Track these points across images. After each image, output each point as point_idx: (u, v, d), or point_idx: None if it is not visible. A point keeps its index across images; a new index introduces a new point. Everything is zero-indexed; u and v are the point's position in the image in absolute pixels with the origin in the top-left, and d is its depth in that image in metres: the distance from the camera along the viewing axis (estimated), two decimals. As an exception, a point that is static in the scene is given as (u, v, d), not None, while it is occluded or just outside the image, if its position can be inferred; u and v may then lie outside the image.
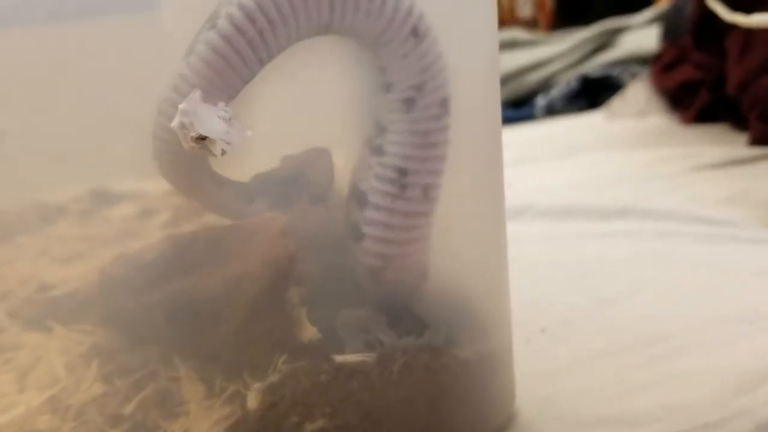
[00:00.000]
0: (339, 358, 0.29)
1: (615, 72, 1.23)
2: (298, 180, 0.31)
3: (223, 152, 0.26)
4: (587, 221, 0.59)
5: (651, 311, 0.40)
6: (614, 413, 0.33)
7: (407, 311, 0.30)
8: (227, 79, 0.27)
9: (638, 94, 1.09)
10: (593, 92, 1.24)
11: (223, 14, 0.26)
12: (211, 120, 0.25)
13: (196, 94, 0.25)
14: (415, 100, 0.29)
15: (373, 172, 0.29)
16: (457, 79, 0.30)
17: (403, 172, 0.29)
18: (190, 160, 0.27)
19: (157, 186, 0.74)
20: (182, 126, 0.25)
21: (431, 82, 0.29)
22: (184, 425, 0.29)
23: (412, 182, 0.29)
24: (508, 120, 1.10)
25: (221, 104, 0.26)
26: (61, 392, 0.30)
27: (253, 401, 0.28)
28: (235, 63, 0.27)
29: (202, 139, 0.25)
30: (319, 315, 0.29)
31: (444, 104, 0.29)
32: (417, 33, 0.29)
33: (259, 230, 0.28)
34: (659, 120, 0.99)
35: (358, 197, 0.30)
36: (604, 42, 1.33)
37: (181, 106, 0.25)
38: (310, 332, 0.29)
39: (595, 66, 1.29)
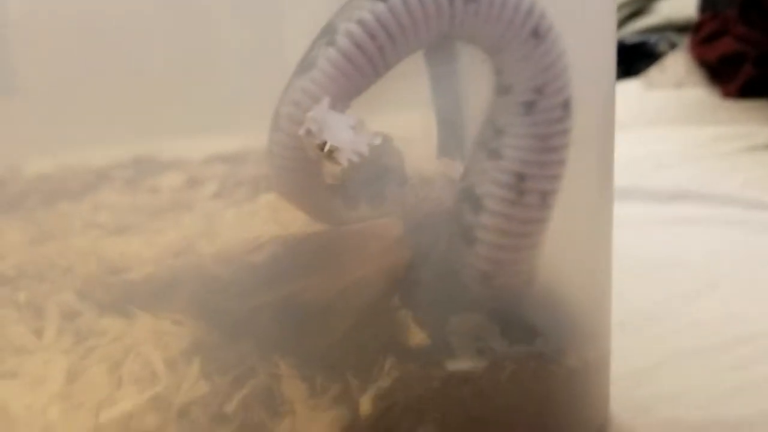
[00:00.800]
0: (451, 366, 0.28)
1: (651, 39, 1.21)
2: (379, 172, 0.31)
3: (350, 161, 0.25)
4: (645, 204, 0.58)
5: (735, 308, 0.40)
6: (712, 418, 0.32)
7: (518, 318, 0.30)
8: (346, 91, 0.26)
9: (677, 65, 1.07)
10: (628, 59, 1.22)
11: (342, 30, 0.26)
12: (338, 128, 0.25)
13: (325, 103, 0.25)
14: (535, 102, 0.28)
15: (489, 177, 0.28)
16: (578, 80, 0.29)
17: (521, 177, 0.28)
18: (306, 171, 0.27)
19: (200, 154, 0.73)
20: (309, 133, 0.24)
21: (553, 83, 0.28)
22: (290, 425, 0.29)
23: (530, 188, 0.28)
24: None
25: (348, 112, 0.25)
26: (164, 390, 0.30)
27: (366, 406, 0.28)
28: (354, 77, 0.26)
29: (326, 147, 0.25)
30: (428, 320, 0.29)
31: (566, 106, 0.28)
32: (537, 34, 0.28)
33: (374, 236, 0.28)
34: (699, 92, 0.98)
35: (472, 201, 0.29)
36: (640, 7, 1.30)
37: (309, 113, 0.24)
38: (418, 337, 0.29)
39: (630, 32, 1.26)
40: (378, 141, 0.25)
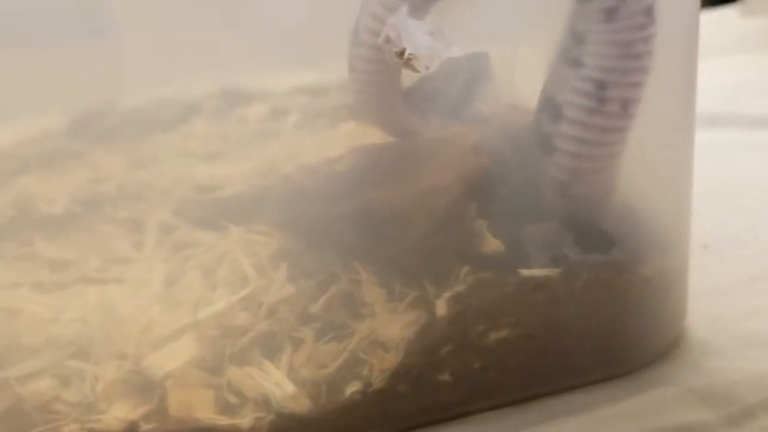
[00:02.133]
0: (525, 272, 0.29)
1: (753, -37, 1.13)
2: (463, 87, 0.31)
3: (427, 68, 0.25)
4: (737, 130, 0.56)
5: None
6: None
7: (594, 227, 0.30)
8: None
9: (779, -10, 1.01)
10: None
11: None
12: (417, 35, 0.25)
13: (404, 10, 0.25)
14: (617, 8, 0.28)
15: (569, 85, 0.28)
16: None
17: (602, 85, 0.28)
18: (384, 84, 0.27)
19: (284, 85, 0.75)
20: (388, 41, 0.25)
21: (635, -12, 0.28)
22: (371, 326, 0.30)
23: (611, 96, 0.28)
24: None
25: (427, 18, 0.26)
26: (254, 291, 0.32)
27: (441, 308, 0.29)
28: None
29: (405, 54, 0.25)
30: (503, 228, 0.30)
31: (649, 12, 0.28)
32: None
33: (450, 144, 0.29)
34: (801, 20, 0.92)
35: (551, 109, 0.29)
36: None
37: (388, 20, 0.25)
38: (493, 245, 0.30)
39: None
40: (457, 50, 0.25)
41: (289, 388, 0.29)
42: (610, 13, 0.28)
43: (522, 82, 0.32)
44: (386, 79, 0.27)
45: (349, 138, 0.60)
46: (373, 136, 0.45)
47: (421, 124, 0.29)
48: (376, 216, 0.30)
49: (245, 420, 0.30)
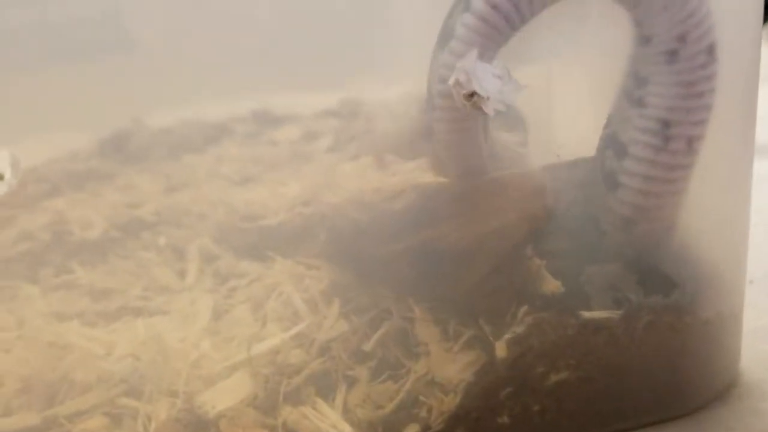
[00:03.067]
0: (586, 314, 0.29)
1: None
2: (515, 120, 0.31)
3: (496, 111, 0.25)
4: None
5: None
6: None
7: (655, 269, 0.30)
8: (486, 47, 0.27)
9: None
10: None
11: None
12: (486, 78, 0.25)
13: (474, 53, 0.25)
14: (677, 51, 0.28)
15: (633, 124, 0.28)
16: (722, 23, 0.28)
17: (666, 124, 0.28)
18: (461, 121, 0.27)
19: (311, 106, 0.76)
20: (457, 83, 0.25)
21: (695, 30, 0.28)
22: (426, 365, 0.30)
23: (675, 134, 0.28)
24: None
25: (496, 62, 0.25)
26: (306, 328, 0.32)
27: (501, 350, 0.29)
28: (491, 37, 0.27)
29: (474, 97, 0.25)
30: (563, 268, 0.30)
31: (710, 51, 0.28)
32: None
33: (515, 184, 0.28)
34: None
35: (616, 147, 0.29)
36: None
37: (458, 64, 0.25)
38: (552, 285, 0.29)
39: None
40: (524, 90, 0.25)
41: (347, 429, 0.29)
42: (672, 55, 0.28)
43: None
44: (458, 121, 0.27)
45: (383, 164, 0.60)
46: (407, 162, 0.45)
47: (490, 163, 0.29)
48: (435, 254, 0.30)
49: (302, 461, 0.29)
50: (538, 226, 0.28)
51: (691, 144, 0.28)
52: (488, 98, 0.25)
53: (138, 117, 0.72)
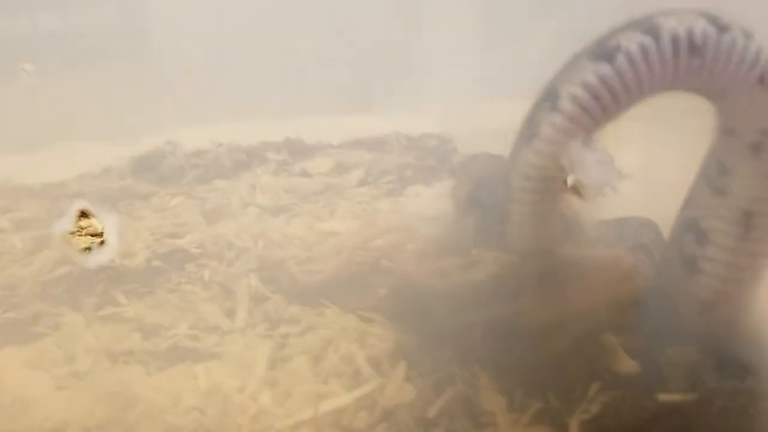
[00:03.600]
0: (662, 396, 0.29)
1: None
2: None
3: (596, 197, 0.25)
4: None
5: None
6: None
7: (731, 354, 0.30)
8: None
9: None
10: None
11: (565, 94, 0.27)
12: (590, 165, 0.25)
13: (579, 139, 0.25)
14: (762, 144, 0.28)
15: (715, 212, 0.28)
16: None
17: (749, 214, 0.28)
18: (548, 202, 0.27)
19: (346, 140, 0.75)
20: (560, 168, 0.25)
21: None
22: (494, 437, 0.30)
23: (758, 223, 0.28)
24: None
25: (600, 149, 0.25)
26: (371, 390, 0.32)
27: (574, 429, 0.29)
28: (576, 136, 0.27)
29: (575, 182, 0.25)
30: (640, 348, 0.29)
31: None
32: (764, 80, 0.27)
33: (599, 265, 0.28)
34: None
35: (696, 233, 0.29)
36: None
37: (566, 149, 0.25)
38: (628, 365, 0.29)
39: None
40: (627, 178, 0.25)
41: (416, 500, 0.29)
42: (756, 148, 0.28)
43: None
44: (544, 206, 0.27)
45: (422, 205, 0.59)
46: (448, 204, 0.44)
47: (573, 241, 0.29)
48: (510, 327, 0.30)
49: None
50: (623, 312, 0.28)
51: (773, 233, 0.28)
52: (590, 185, 0.25)
53: (172, 139, 0.72)
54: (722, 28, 0.26)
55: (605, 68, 0.26)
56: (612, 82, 0.26)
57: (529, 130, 0.28)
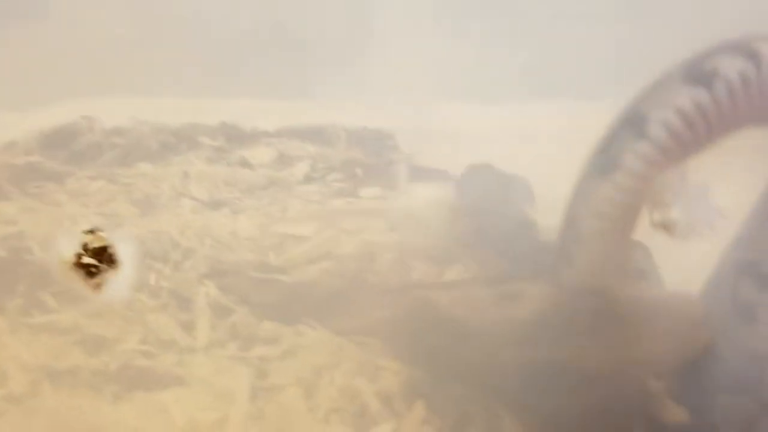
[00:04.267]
0: (713, 448, 0.27)
1: None
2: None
3: (689, 235, 0.23)
4: None
5: None
6: None
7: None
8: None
9: None
10: None
11: (656, 119, 0.24)
12: (686, 201, 0.22)
13: (672, 173, 0.22)
14: None
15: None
16: None
17: None
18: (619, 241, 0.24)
19: (281, 127, 0.70)
20: (658, 203, 0.22)
21: None
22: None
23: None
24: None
25: (701, 185, 0.23)
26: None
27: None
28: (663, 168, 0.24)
29: (667, 218, 0.22)
30: (687, 396, 0.27)
31: None
32: None
33: (667, 309, 0.26)
34: None
35: (757, 278, 0.27)
36: None
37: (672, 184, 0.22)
38: (676, 413, 0.27)
39: None
40: (724, 213, 0.23)
41: None
42: None
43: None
44: (613, 237, 0.24)
45: (380, 211, 0.55)
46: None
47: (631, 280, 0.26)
48: (553, 370, 0.27)
49: None
50: (693, 361, 0.25)
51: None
52: (686, 224, 0.22)
53: (86, 111, 0.64)
54: None
55: (702, 94, 0.23)
56: (708, 109, 0.23)
57: (605, 160, 0.24)
